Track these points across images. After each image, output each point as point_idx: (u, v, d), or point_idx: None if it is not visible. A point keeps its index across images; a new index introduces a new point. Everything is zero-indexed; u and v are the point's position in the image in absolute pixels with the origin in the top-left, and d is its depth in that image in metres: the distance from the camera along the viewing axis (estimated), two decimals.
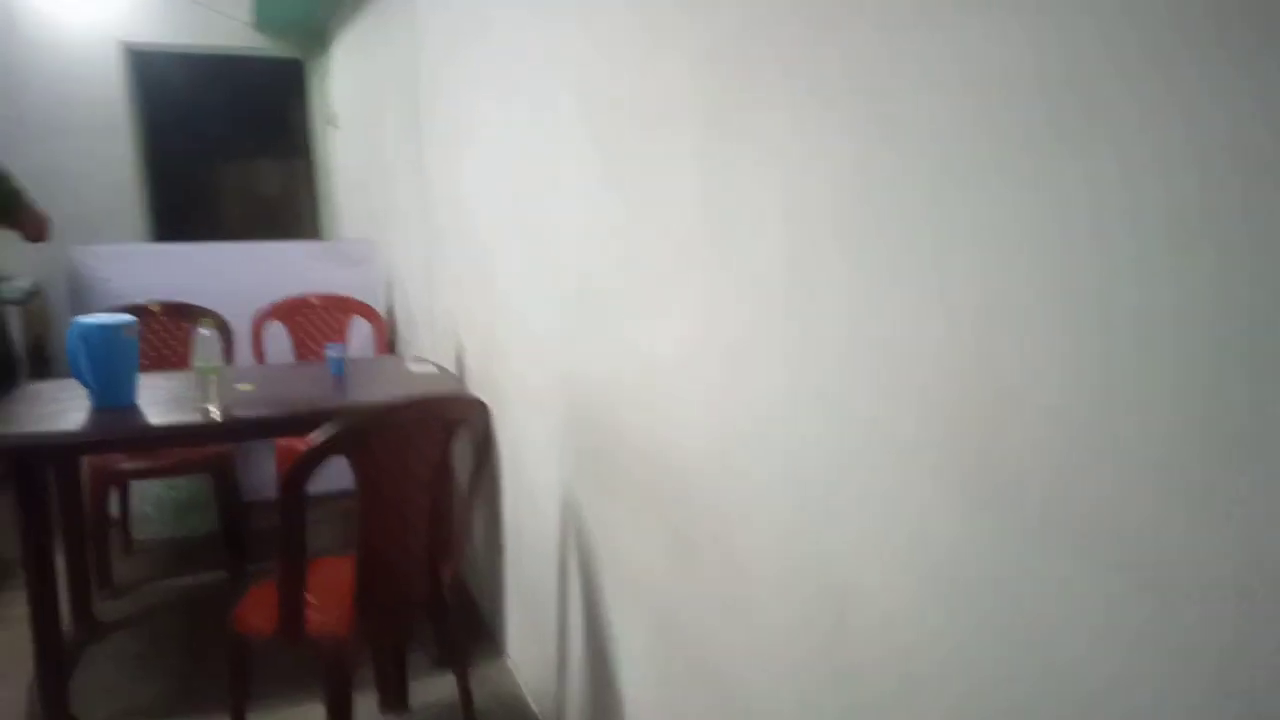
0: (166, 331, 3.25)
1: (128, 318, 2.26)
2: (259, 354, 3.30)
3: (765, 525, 1.17)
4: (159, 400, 2.32)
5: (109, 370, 2.22)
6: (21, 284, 4.31)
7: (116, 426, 2.10)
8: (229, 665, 1.92)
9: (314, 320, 3.51)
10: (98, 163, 4.99)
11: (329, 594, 1.87)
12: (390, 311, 3.93)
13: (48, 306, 4.62)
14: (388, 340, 3.63)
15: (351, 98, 4.70)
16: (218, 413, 2.19)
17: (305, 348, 3.46)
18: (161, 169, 5.45)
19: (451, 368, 2.77)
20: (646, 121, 1.41)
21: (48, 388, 2.47)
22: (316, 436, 1.58)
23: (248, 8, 5.01)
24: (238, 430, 2.27)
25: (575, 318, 1.78)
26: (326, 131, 5.29)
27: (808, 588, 1.08)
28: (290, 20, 5.19)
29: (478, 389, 2.57)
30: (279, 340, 3.39)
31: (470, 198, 2.48)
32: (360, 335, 3.62)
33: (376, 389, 2.55)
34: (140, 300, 3.24)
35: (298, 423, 2.28)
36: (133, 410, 2.22)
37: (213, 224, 6.25)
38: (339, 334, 3.52)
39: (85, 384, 2.21)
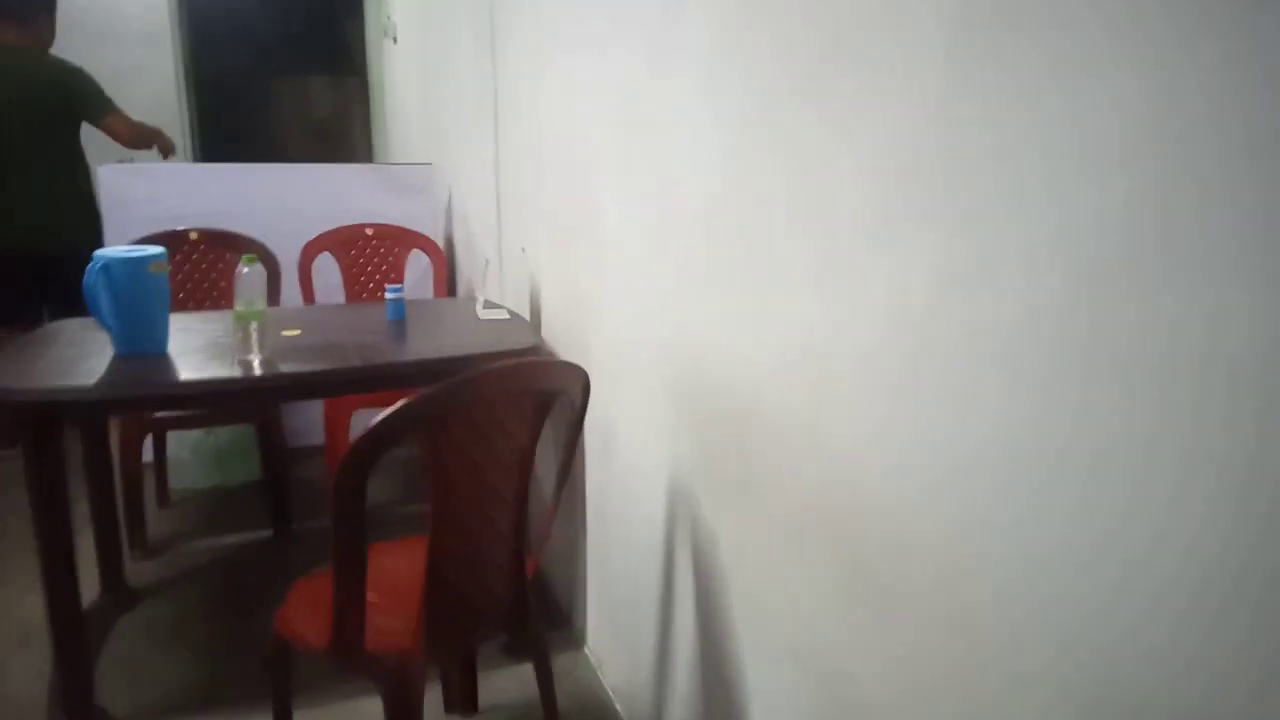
0: (207, 263, 2.92)
1: (156, 249, 1.92)
2: (307, 291, 2.97)
3: (1011, 582, 0.78)
4: (193, 347, 1.99)
5: (134, 312, 1.89)
6: None
7: (140, 382, 1.77)
8: (271, 672, 1.62)
9: (367, 253, 3.16)
10: (141, 73, 4.64)
11: (391, 593, 1.54)
12: (449, 245, 3.57)
13: None
14: (447, 279, 3.27)
15: (412, 7, 4.26)
16: (259, 364, 1.85)
17: (358, 284, 3.12)
18: (207, 82, 5.09)
19: (526, 316, 2.41)
20: (839, 29, 0.99)
21: (68, 327, 2.15)
22: (378, 420, 1.22)
23: None
24: (283, 388, 1.93)
25: (705, 281, 1.39)
26: (383, 46, 4.87)
27: (1085, 688, 0.70)
28: None
29: (560, 347, 2.20)
30: (328, 274, 3.05)
31: (562, 121, 2.07)
32: (416, 271, 3.27)
33: (442, 338, 2.19)
34: (179, 226, 2.92)
35: (353, 379, 1.94)
36: (162, 361, 1.89)
37: (261, 143, 5.92)
38: (395, 269, 3.17)
39: (106, 326, 1.88)
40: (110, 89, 4.56)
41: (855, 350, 1.03)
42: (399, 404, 1.23)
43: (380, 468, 1.24)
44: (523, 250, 2.47)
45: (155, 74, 4.68)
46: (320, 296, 3.01)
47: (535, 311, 2.38)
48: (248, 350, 1.91)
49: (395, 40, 4.68)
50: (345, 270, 3.08)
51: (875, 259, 0.98)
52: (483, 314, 2.36)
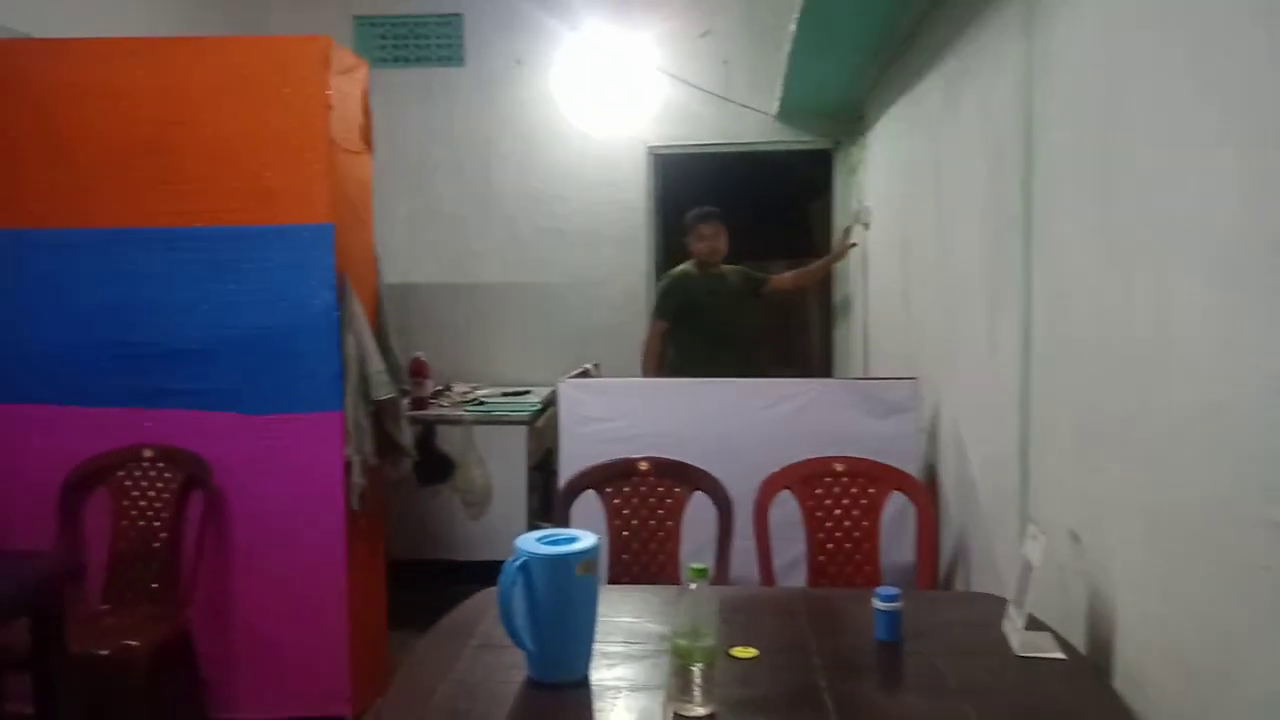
0: (655, 497, 2.52)
1: (586, 543, 1.46)
2: (762, 541, 2.40)
3: None
4: (621, 675, 1.47)
5: (555, 629, 1.43)
6: (531, 401, 4.11)
7: None
8: None
9: (835, 493, 2.52)
10: (616, 272, 4.75)
11: None
12: (934, 482, 2.81)
13: (556, 423, 4.37)
14: (933, 541, 2.48)
15: (890, 189, 3.76)
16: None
17: (822, 530, 2.48)
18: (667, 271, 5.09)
19: (1082, 649, 1.53)
20: None
21: (492, 609, 1.77)
22: None
23: (776, 98, 4.42)
24: None
25: None
26: (852, 231, 4.44)
27: None
28: (820, 106, 4.49)
29: None
30: (783, 508, 2.47)
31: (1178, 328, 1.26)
32: (893, 514, 2.54)
33: (963, 690, 1.41)
34: (628, 443, 2.61)
35: None
36: (579, 697, 1.39)
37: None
38: (867, 516, 2.48)
39: (519, 643, 1.44)
40: (591, 293, 4.80)
41: None
42: None
43: None
44: (1075, 537, 1.63)
45: (631, 272, 4.75)
46: (776, 533, 2.44)
47: (1101, 646, 1.50)
48: (687, 696, 1.33)
49: (866, 225, 4.20)
50: (808, 513, 2.48)
51: None
52: (1021, 643, 1.54)
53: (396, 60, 4.65)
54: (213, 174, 2.72)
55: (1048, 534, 1.60)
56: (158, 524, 2.67)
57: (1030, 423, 1.91)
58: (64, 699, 2.12)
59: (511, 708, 1.37)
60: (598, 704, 1.39)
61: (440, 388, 4.27)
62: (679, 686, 1.34)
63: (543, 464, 4.13)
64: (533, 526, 3.87)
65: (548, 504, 4.13)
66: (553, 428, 4.27)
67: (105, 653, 2.31)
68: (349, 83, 2.88)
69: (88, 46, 2.81)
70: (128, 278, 2.72)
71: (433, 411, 3.92)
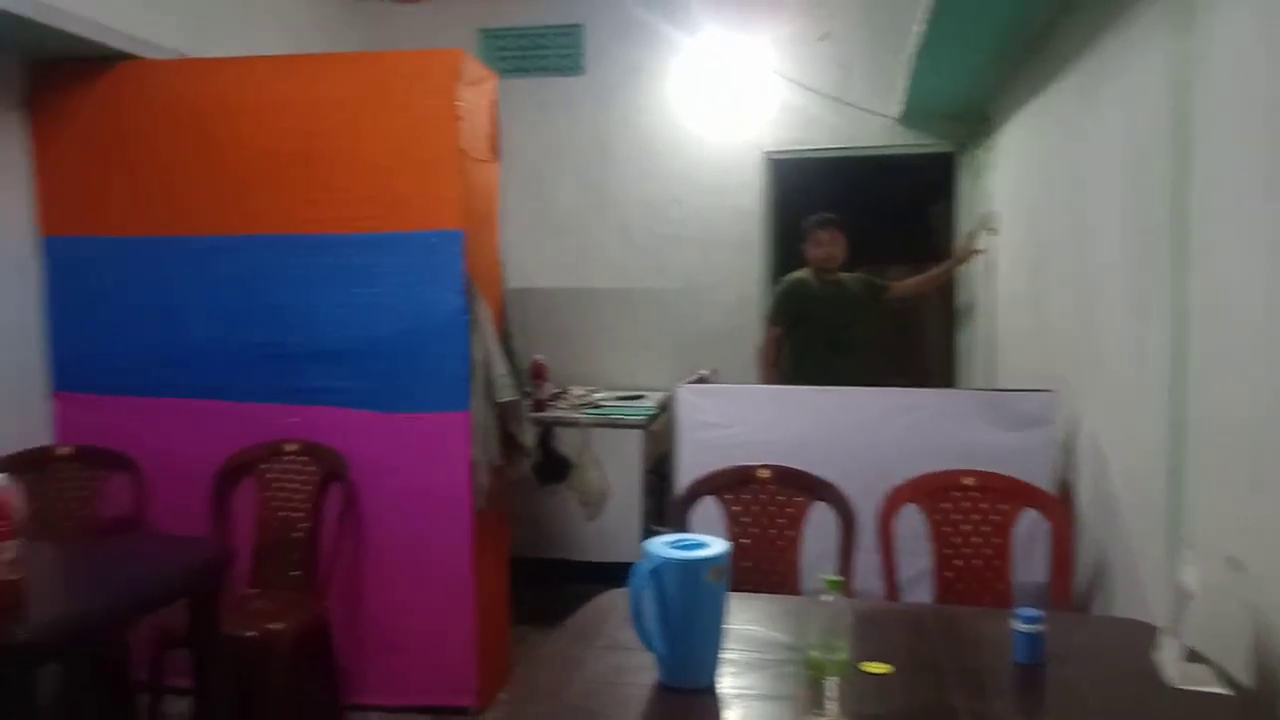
0: (775, 506, 2.50)
1: (718, 550, 1.46)
2: (887, 557, 2.35)
3: None
4: (748, 685, 1.46)
5: (684, 634, 1.44)
6: (646, 405, 4.15)
7: None
8: None
9: (964, 507, 2.44)
10: (730, 277, 4.73)
11: None
12: (1067, 498, 2.69)
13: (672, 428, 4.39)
14: (1068, 561, 2.37)
15: (1020, 193, 3.62)
16: None
17: (949, 546, 2.41)
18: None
19: (1247, 684, 1.44)
20: None
21: (618, 608, 1.80)
22: None
23: (897, 101, 4.32)
24: None
25: None
26: (977, 236, 4.29)
27: None
28: (944, 109, 4.36)
29: None
30: (905, 521, 2.41)
31: None
32: (1023, 533, 2.44)
33: None
34: (745, 449, 2.60)
35: None
36: (706, 703, 1.40)
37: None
38: (999, 533, 2.39)
39: (650, 646, 1.46)
40: (704, 298, 4.80)
41: None
42: None
43: None
44: (1237, 564, 1.53)
45: (745, 277, 4.73)
46: (898, 547, 2.38)
47: (1270, 682, 1.41)
48: (819, 709, 1.32)
49: (994, 231, 4.05)
50: (934, 528, 2.41)
51: None
52: (1178, 675, 1.46)
53: (518, 70, 4.77)
54: (352, 183, 2.86)
55: (1204, 559, 1.51)
56: (299, 515, 2.82)
57: (1184, 438, 1.81)
58: (217, 676, 2.27)
59: (642, 711, 1.39)
60: (727, 712, 1.39)
61: (558, 390, 4.35)
62: (811, 699, 1.33)
63: (657, 468, 4.16)
64: (648, 530, 3.90)
65: (662, 508, 4.15)
66: (667, 432, 4.30)
67: (252, 634, 2.45)
68: (478, 93, 2.97)
69: (239, 65, 3.00)
70: (275, 281, 2.89)
71: (551, 413, 4.00)
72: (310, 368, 2.89)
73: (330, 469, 2.82)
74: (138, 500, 2.80)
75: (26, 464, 2.74)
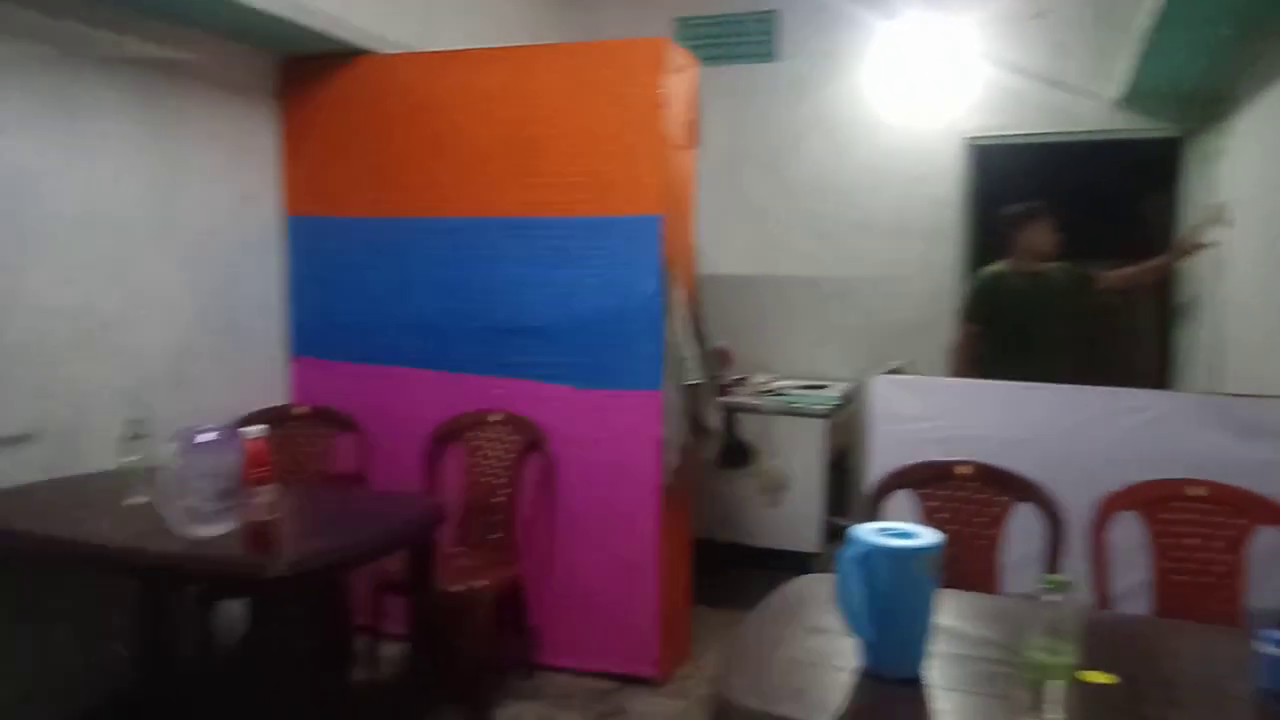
0: (976, 504, 2.42)
1: (930, 541, 1.44)
2: (1099, 567, 2.22)
3: None
4: (958, 676, 1.44)
5: (891, 622, 1.43)
6: (830, 395, 4.09)
7: None
8: None
9: (1187, 518, 2.27)
10: (923, 268, 4.57)
11: None
12: None
13: (856, 419, 4.31)
14: None
15: (1267, 182, 3.28)
16: None
17: (1171, 559, 2.24)
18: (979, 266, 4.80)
19: None
20: None
21: (816, 594, 1.81)
22: None
23: (1119, 82, 4.01)
24: None
25: None
26: (1205, 228, 3.93)
27: None
28: (1175, 89, 4.01)
29: None
30: (1118, 530, 2.26)
31: None
32: (1265, 553, 2.23)
33: None
34: (942, 445, 2.53)
35: None
36: (913, 696, 1.38)
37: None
38: (1231, 549, 2.20)
39: (859, 631, 1.45)
40: (894, 289, 4.66)
41: None
42: None
43: None
44: None
45: (938, 268, 4.55)
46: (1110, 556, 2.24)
47: None
48: (1038, 714, 1.27)
49: (1228, 223, 3.70)
50: (1155, 539, 2.25)
51: None
52: None
53: (712, 58, 4.79)
54: (559, 168, 2.99)
55: None
56: (500, 481, 3.00)
57: None
58: (428, 626, 2.46)
59: (850, 695, 1.39)
60: (937, 704, 1.37)
61: (740, 376, 4.37)
62: (1030, 702, 1.29)
63: (839, 460, 4.10)
64: (828, 521, 3.86)
65: (843, 500, 4.09)
66: (851, 424, 4.23)
67: (459, 589, 2.64)
68: (680, 81, 3.02)
69: (460, 58, 3.19)
70: (488, 261, 3.08)
71: (734, 399, 4.02)
72: (516, 342, 3.06)
73: (531, 439, 2.98)
74: (360, 458, 3.07)
75: (269, 420, 3.05)
